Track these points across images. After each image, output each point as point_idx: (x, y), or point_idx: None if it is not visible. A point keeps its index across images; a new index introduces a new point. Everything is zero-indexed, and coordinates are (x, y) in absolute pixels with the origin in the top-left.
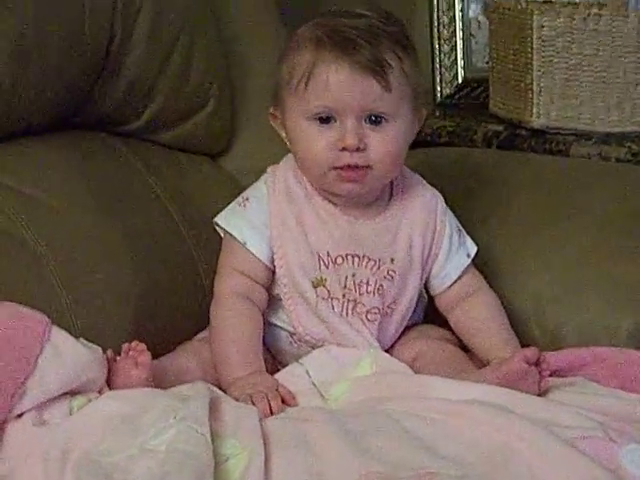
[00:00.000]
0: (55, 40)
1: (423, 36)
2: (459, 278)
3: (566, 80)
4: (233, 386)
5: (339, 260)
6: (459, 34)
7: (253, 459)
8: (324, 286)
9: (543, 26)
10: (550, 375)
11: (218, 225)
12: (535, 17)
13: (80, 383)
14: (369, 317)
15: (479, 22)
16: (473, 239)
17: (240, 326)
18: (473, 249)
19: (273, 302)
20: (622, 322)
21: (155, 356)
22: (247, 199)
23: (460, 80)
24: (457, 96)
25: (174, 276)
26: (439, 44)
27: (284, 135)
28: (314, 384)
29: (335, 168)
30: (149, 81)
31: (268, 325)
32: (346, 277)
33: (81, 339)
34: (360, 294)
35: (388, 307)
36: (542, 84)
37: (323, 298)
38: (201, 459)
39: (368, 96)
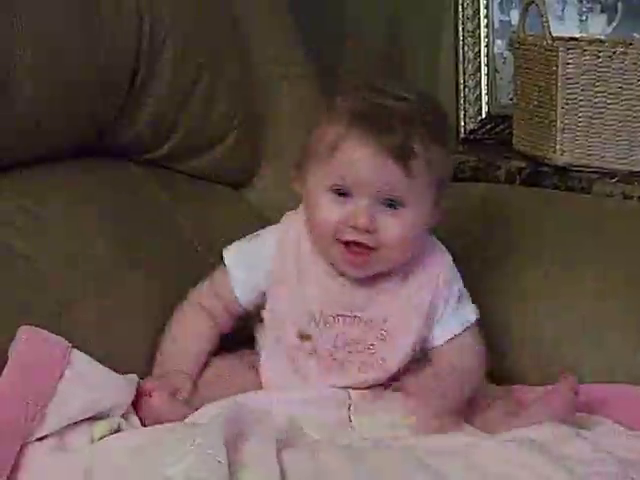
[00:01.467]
0: (77, 72)
1: (448, 71)
2: (444, 344)
3: (590, 118)
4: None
5: (330, 320)
6: (484, 70)
7: None
8: (310, 342)
9: (568, 63)
10: None
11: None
12: (561, 54)
13: (102, 408)
14: (359, 370)
15: (504, 58)
16: (492, 276)
17: (188, 328)
18: (472, 317)
19: None
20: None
21: None
22: (257, 236)
23: (484, 115)
24: (481, 131)
25: None
26: (464, 79)
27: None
28: (350, 416)
29: (340, 241)
30: (172, 113)
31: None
32: (336, 335)
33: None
34: (349, 352)
35: (379, 365)
36: (566, 121)
37: (307, 353)
38: None
39: (387, 180)
